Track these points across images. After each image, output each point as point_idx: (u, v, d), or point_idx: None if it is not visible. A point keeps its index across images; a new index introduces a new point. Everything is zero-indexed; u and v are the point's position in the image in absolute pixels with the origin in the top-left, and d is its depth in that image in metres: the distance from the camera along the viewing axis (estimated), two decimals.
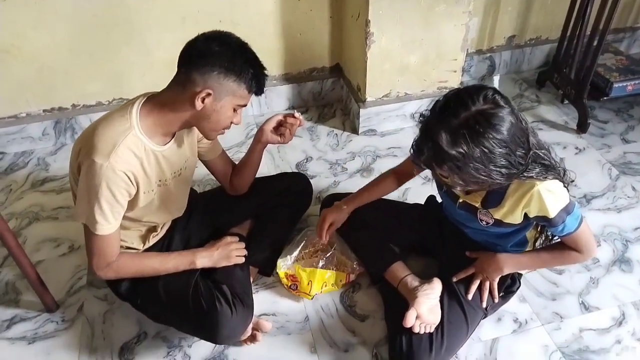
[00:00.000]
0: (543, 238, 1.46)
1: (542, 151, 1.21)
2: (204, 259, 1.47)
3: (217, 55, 1.20)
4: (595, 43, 2.20)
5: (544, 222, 1.29)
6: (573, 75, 2.37)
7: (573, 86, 2.36)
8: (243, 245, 1.57)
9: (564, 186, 1.27)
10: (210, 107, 1.24)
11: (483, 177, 1.12)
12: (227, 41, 1.23)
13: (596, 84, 2.34)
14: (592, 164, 2.17)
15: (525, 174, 1.18)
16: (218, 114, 1.26)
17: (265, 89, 1.31)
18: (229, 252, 1.51)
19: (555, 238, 1.42)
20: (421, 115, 1.18)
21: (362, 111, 2.31)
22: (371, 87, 2.27)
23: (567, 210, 1.25)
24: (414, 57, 2.21)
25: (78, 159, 1.24)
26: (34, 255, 1.83)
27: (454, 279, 1.50)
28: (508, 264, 1.45)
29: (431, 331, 1.39)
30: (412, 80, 2.29)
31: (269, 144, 1.57)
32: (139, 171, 1.26)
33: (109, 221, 1.25)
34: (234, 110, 1.29)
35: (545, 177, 1.21)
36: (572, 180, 1.34)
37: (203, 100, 1.21)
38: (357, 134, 2.39)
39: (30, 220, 1.98)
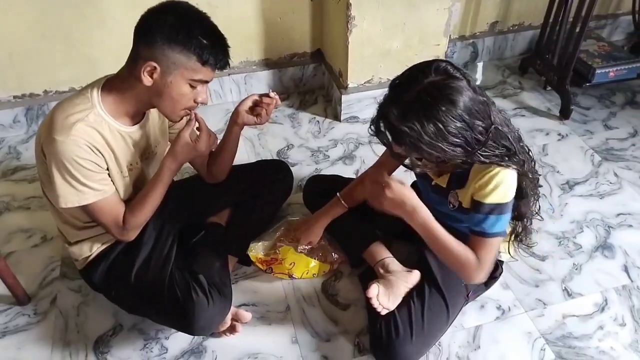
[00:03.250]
0: (522, 232, 1.37)
1: (505, 129, 1.15)
2: (173, 163, 1.30)
3: (160, 24, 1.12)
4: (577, 29, 2.18)
5: (472, 210, 1.21)
6: (556, 62, 2.36)
7: (556, 72, 2.35)
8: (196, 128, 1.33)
9: (530, 190, 1.24)
10: (160, 82, 1.16)
11: (439, 154, 1.08)
12: (174, 10, 1.15)
13: (579, 70, 2.33)
14: (575, 150, 2.17)
15: (487, 152, 1.11)
16: (170, 90, 1.18)
17: (231, 62, 1.22)
18: (187, 140, 1.29)
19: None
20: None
21: (344, 97, 2.27)
22: (353, 73, 2.22)
23: (500, 209, 1.18)
24: (396, 42, 2.17)
25: (41, 141, 1.20)
26: (4, 246, 1.77)
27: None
28: (418, 211, 1.20)
29: (383, 314, 1.37)
30: (394, 66, 2.25)
31: (245, 127, 1.52)
32: (105, 149, 1.22)
33: (93, 188, 1.20)
34: (191, 86, 1.20)
35: (508, 165, 1.15)
36: (540, 174, 1.29)
37: (152, 75, 1.15)
38: (339, 121, 2.35)
39: (1, 211, 1.91)
